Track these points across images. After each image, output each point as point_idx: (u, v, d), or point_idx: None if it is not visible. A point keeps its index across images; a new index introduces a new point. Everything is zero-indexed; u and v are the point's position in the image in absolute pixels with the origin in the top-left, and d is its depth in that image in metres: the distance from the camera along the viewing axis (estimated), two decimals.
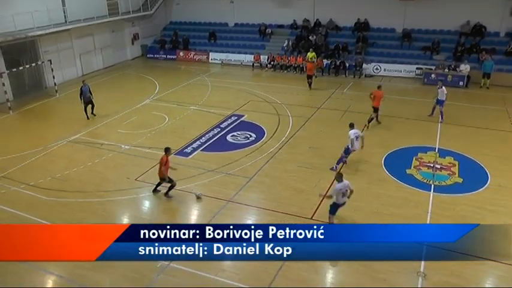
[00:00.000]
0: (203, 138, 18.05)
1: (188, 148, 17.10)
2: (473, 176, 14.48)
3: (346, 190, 11.12)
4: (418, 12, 28.56)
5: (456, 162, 15.42)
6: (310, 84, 24.91)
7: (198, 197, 13.37)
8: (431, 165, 15.24)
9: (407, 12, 28.96)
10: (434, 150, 16.39)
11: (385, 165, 15.28)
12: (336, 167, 14.81)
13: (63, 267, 10.62)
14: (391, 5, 29.11)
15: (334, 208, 11.36)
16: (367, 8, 30.02)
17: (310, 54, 27.85)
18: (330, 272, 10.32)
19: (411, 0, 28.19)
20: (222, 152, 16.77)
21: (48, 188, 14.16)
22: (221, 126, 19.33)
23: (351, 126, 14.78)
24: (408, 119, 19.65)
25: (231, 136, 18.22)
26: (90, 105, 20.50)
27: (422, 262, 10.22)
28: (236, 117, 20.26)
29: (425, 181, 14.18)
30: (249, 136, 17.98)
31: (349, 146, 14.59)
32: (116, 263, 10.59)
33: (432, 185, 13.91)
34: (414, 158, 15.74)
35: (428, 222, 11.96)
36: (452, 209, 12.54)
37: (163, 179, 13.38)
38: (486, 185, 13.90)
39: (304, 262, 10.32)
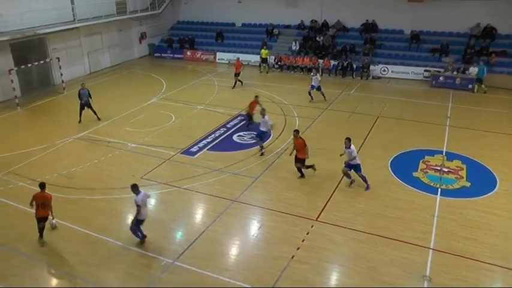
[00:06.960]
0: (209, 137, 18.03)
1: (194, 147, 17.08)
2: (481, 180, 14.29)
3: None
4: (427, 13, 28.34)
5: (464, 166, 15.26)
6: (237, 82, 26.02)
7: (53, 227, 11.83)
8: (439, 168, 15.09)
9: (416, 14, 28.71)
10: (442, 154, 16.23)
11: (391, 168, 15.17)
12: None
13: (66, 264, 10.67)
14: (399, 7, 28.94)
15: None
16: (375, 9, 29.89)
17: (264, 52, 29.16)
18: (334, 274, 10.25)
19: (420, 1, 28.01)
20: (228, 151, 16.74)
21: (54, 185, 14.09)
22: (227, 126, 19.30)
23: None
24: (416, 122, 19.49)
25: (237, 136, 18.18)
26: (86, 108, 19.84)
27: (428, 265, 10.18)
28: (242, 117, 20.18)
29: (432, 184, 14.03)
30: (255, 136, 17.87)
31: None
32: (120, 260, 10.66)
33: (439, 189, 13.75)
34: (421, 161, 15.60)
35: (434, 225, 11.84)
36: (459, 213, 12.40)
37: None
38: (495, 190, 13.72)
39: (308, 263, 10.32)
